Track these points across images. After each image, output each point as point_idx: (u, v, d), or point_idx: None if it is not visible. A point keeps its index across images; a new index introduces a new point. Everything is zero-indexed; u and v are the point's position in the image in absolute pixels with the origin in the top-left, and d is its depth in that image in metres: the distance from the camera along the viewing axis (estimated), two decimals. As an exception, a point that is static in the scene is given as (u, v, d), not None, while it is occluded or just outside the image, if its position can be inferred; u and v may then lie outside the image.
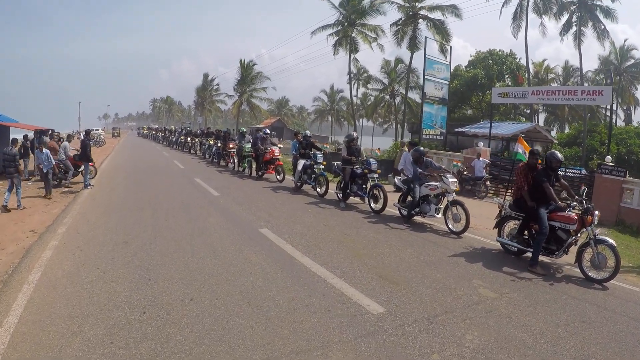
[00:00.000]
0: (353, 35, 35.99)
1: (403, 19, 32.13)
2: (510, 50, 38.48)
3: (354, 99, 45.71)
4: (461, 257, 6.65)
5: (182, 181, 14.29)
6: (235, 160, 17.89)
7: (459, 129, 27.65)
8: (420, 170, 9.00)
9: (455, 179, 8.69)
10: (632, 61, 41.81)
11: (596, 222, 6.08)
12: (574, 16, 32.35)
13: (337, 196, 11.03)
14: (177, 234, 7.19)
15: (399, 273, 5.58)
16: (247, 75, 54.64)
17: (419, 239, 7.69)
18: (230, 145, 18.63)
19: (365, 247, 6.79)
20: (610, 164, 12.18)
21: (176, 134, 34.98)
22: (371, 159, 10.52)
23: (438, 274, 5.66)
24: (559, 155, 6.59)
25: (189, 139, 29.12)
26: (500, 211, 7.25)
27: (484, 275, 5.81)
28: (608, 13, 31.40)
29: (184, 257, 5.91)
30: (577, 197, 6.47)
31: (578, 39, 32.46)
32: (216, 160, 20.44)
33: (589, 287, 5.72)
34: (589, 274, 6.00)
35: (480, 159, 15.31)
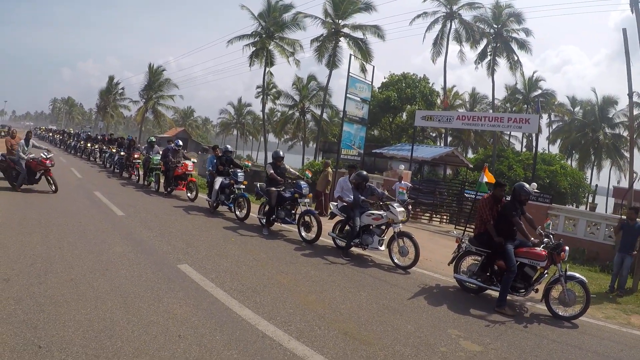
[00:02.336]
0: (270, 48, 35.84)
1: (325, 35, 32.58)
2: (424, 75, 40.99)
3: (262, 114, 45.32)
4: (422, 299, 6.20)
5: (80, 194, 12.52)
6: (140, 173, 16.68)
7: (376, 150, 28.28)
8: (362, 197, 8.48)
9: (403, 209, 8.29)
10: (540, 91, 46.94)
11: (566, 259, 6.00)
12: (489, 46, 35.42)
13: (260, 221, 10.15)
14: (75, 270, 5.72)
15: (365, 326, 4.87)
16: (155, 81, 52.74)
17: (368, 277, 7.11)
18: (135, 156, 17.33)
19: (312, 291, 5.98)
20: (536, 190, 12.85)
21: (75, 139, 33.48)
22: (302, 182, 9.79)
23: (408, 325, 5.06)
24: (528, 187, 6.48)
25: (88, 145, 27.67)
26: (459, 246, 6.96)
27: (456, 322, 5.40)
28: (523, 45, 35.02)
29: (85, 307, 4.55)
30: (542, 232, 6.41)
31: (492, 68, 35.65)
32: (118, 171, 19.24)
33: (560, 327, 5.72)
34: (557, 311, 5.99)
35: (402, 182, 15.45)
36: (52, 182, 12.11)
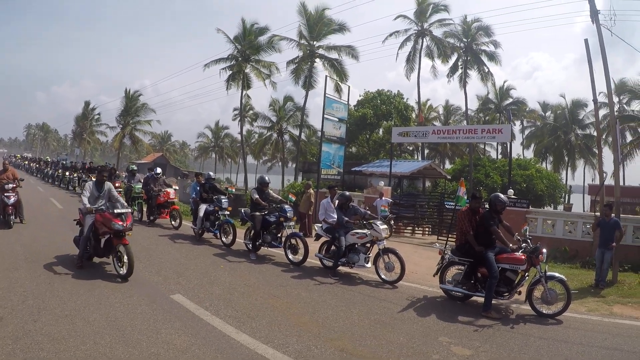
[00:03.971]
0: (247, 71, 36.24)
1: (300, 56, 33.20)
2: (398, 90, 41.95)
3: (240, 136, 45.49)
4: (411, 311, 6.45)
5: (62, 226, 12.15)
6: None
7: (356, 168, 28.67)
8: (345, 218, 8.76)
9: (386, 226, 8.59)
10: (511, 100, 48.49)
11: (544, 260, 6.36)
12: (460, 60, 36.49)
13: (247, 246, 10.28)
14: (68, 306, 5.74)
15: (359, 342, 5.08)
16: (132, 107, 52.05)
17: (357, 294, 7.34)
18: (116, 184, 17.02)
19: (304, 312, 6.17)
20: (513, 196, 13.32)
21: (54, 167, 32.84)
22: (285, 205, 10.01)
23: (400, 337, 5.29)
24: (503, 197, 6.86)
25: (67, 173, 27.17)
26: (442, 258, 7.27)
27: (446, 330, 5.67)
28: (492, 57, 36.19)
29: (84, 344, 4.59)
30: (519, 237, 6.77)
31: (464, 80, 36.63)
32: None
33: (545, 324, 6.04)
34: (541, 310, 6.33)
35: (383, 198, 15.82)
36: (123, 257, 7.32)
